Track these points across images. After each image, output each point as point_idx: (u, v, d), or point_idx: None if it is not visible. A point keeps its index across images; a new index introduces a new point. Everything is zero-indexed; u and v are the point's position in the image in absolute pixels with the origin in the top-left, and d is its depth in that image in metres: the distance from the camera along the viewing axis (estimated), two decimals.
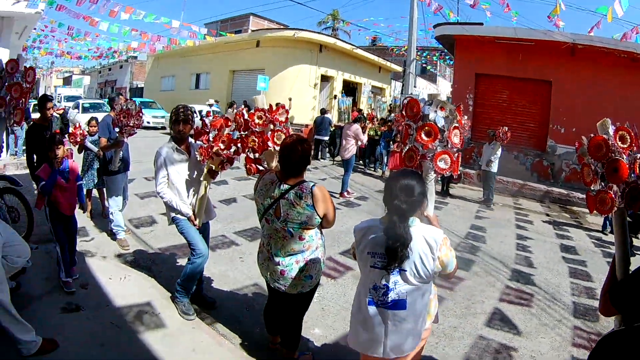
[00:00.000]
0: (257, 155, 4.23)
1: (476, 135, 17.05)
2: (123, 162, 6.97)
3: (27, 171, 11.37)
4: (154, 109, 28.75)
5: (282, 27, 37.65)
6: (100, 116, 7.82)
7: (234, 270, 6.39)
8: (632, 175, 2.47)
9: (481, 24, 18.14)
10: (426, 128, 3.33)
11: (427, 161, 3.39)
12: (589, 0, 19.65)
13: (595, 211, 2.67)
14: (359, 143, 12.66)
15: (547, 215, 13.05)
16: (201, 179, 4.79)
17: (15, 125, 4.65)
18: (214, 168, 4.58)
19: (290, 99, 20.47)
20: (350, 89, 34.37)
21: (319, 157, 19.17)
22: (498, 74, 17.83)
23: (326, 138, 18.99)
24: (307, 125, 20.56)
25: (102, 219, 7.99)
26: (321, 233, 3.86)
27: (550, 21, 15.46)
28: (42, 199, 5.19)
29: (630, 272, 2.54)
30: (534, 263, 8.00)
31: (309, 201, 3.50)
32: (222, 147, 4.31)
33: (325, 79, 30.54)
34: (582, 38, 15.59)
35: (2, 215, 5.61)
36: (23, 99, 4.42)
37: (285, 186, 3.57)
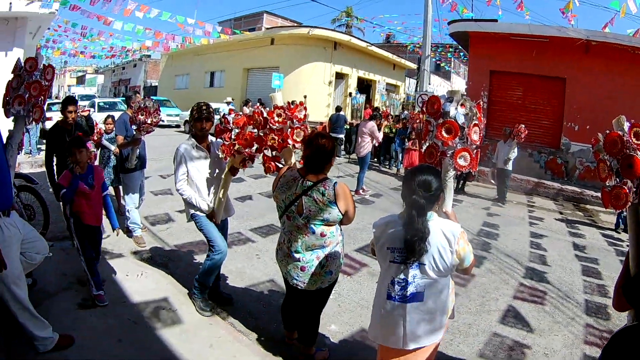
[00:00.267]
0: (274, 153, 4.26)
1: (490, 132, 16.96)
2: (140, 159, 7.01)
3: (42, 169, 11.52)
4: (168, 107, 28.79)
5: (296, 24, 37.60)
6: (116, 115, 7.87)
7: (251, 267, 6.43)
8: None
9: (495, 20, 18.05)
10: (447, 125, 3.34)
11: (446, 158, 3.41)
12: None
13: (610, 206, 2.69)
14: (375, 141, 12.63)
15: (561, 213, 13.00)
16: (222, 176, 4.80)
17: (34, 122, 4.71)
18: (235, 166, 4.60)
19: (305, 97, 20.49)
20: (365, 86, 34.32)
21: (335, 154, 18.98)
22: (512, 71, 17.75)
23: (341, 136, 18.89)
24: (321, 123, 20.56)
25: (118, 216, 8.06)
26: (341, 229, 3.89)
27: (564, 17, 15.38)
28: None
29: None
30: (547, 261, 8.00)
31: (332, 198, 3.54)
32: (245, 144, 4.33)
33: (339, 76, 30.53)
34: (596, 34, 15.47)
35: (18, 213, 5.66)
36: (42, 97, 4.46)
37: (308, 183, 3.61)
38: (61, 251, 6.04)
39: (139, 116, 6.31)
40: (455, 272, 2.93)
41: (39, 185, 6.90)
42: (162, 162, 12.98)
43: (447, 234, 2.75)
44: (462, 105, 3.37)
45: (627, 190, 2.50)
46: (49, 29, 18.61)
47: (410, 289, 2.75)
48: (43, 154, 13.41)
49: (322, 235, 3.63)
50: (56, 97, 41.06)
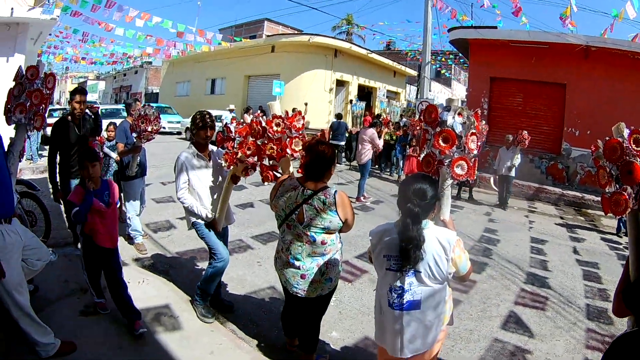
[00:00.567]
0: (271, 162, 4.25)
1: (491, 139, 16.99)
2: (140, 167, 7.02)
3: (44, 175, 11.51)
4: (169, 114, 28.89)
5: (296, 32, 37.70)
6: (118, 122, 7.88)
7: (252, 274, 6.44)
8: None
9: (495, 27, 18.10)
10: (444, 134, 3.35)
11: (444, 167, 3.42)
12: (603, 2, 19.56)
13: (609, 212, 2.70)
14: (375, 148, 12.65)
15: (562, 218, 13.00)
16: (224, 184, 4.80)
17: (35, 130, 4.71)
18: (237, 174, 4.60)
19: (306, 104, 20.53)
20: (366, 93, 34.38)
21: (335, 161, 18.99)
22: (512, 78, 17.78)
23: (342, 143, 18.94)
24: (322, 130, 20.58)
25: (119, 223, 8.06)
26: (340, 237, 3.90)
27: (564, 25, 15.42)
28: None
29: None
30: (548, 266, 8.00)
31: (333, 206, 3.55)
32: (248, 153, 4.33)
33: (340, 83, 30.60)
34: (596, 40, 15.54)
35: (20, 219, 5.65)
36: (43, 105, 4.47)
37: (309, 191, 3.61)
38: (63, 258, 6.04)
39: (140, 124, 6.31)
40: (452, 279, 2.94)
41: (40, 191, 6.89)
42: (163, 169, 13.01)
43: (442, 241, 2.77)
44: (459, 114, 3.37)
45: (627, 197, 2.51)
46: (50, 34, 18.62)
47: (407, 297, 2.76)
48: (44, 160, 13.46)
49: (323, 243, 3.63)
50: (57, 103, 41.09)
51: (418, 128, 3.61)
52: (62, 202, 5.93)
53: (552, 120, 17.08)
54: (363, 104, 30.04)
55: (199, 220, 4.85)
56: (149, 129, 6.39)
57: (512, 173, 13.07)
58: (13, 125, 4.45)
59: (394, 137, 17.56)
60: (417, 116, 15.49)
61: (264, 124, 4.13)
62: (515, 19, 17.47)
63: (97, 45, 24.82)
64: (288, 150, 4.10)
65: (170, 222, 8.58)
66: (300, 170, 3.86)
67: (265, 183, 4.35)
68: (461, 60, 32.62)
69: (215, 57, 34.26)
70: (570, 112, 16.37)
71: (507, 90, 18.07)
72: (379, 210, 11.30)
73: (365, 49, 32.42)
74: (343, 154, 19.82)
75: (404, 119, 21.57)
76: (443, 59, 35.87)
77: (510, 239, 9.68)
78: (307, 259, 3.67)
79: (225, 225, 5.16)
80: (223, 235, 5.08)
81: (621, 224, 10.94)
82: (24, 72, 4.44)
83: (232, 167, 4.49)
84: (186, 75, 40.03)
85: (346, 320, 5.27)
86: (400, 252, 2.72)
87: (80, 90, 6.38)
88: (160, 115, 6.72)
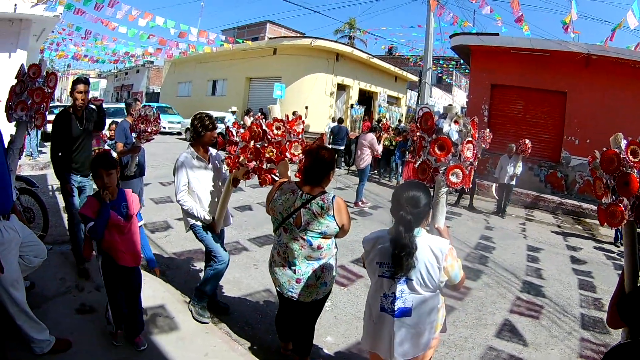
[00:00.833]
0: (269, 165, 4.26)
1: (490, 146, 17.01)
2: (139, 167, 7.02)
3: (44, 172, 11.52)
4: (170, 114, 28.95)
5: (298, 35, 37.77)
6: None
7: (248, 276, 6.45)
8: None
9: (497, 34, 18.12)
10: (439, 142, 3.36)
11: (439, 174, 3.43)
12: (604, 11, 19.64)
13: (605, 224, 2.71)
14: (374, 153, 12.66)
15: (559, 227, 13.01)
16: (224, 187, 4.81)
17: (35, 128, 4.72)
18: (239, 178, 4.59)
19: (306, 108, 20.50)
20: (366, 98, 34.37)
21: (334, 167, 18.94)
22: (513, 85, 17.83)
23: (342, 147, 18.95)
24: (322, 134, 20.59)
25: None
26: (335, 242, 3.90)
27: (566, 33, 15.43)
28: (91, 245, 4.15)
29: (638, 284, 2.57)
30: (545, 275, 8.00)
31: (330, 211, 3.56)
32: (250, 157, 4.32)
33: (341, 87, 30.61)
34: (597, 48, 15.56)
35: (19, 215, 5.62)
36: (44, 104, 4.49)
37: (307, 196, 3.61)
38: (60, 255, 6.06)
39: (140, 124, 6.32)
40: (445, 287, 2.95)
41: (39, 188, 6.89)
42: (162, 170, 13.00)
43: (434, 250, 2.79)
44: (455, 121, 3.39)
45: (623, 208, 2.52)
46: (53, 31, 18.66)
47: (398, 304, 2.78)
48: (44, 156, 13.47)
49: (319, 247, 3.64)
50: (58, 100, 41.02)
51: (418, 134, 3.61)
52: (65, 198, 5.80)
53: (552, 128, 17.11)
54: (362, 109, 30.05)
55: (198, 223, 4.85)
56: (149, 130, 6.39)
57: (513, 181, 13.11)
58: (14, 123, 4.47)
59: (394, 143, 17.57)
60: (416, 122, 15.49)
61: (264, 126, 4.14)
62: (516, 26, 17.49)
63: (99, 43, 24.84)
64: (287, 154, 4.11)
65: (168, 222, 8.58)
66: (298, 174, 3.87)
67: (263, 186, 4.35)
68: (462, 67, 32.66)
69: (217, 58, 34.28)
70: (571, 120, 16.41)
71: (507, 97, 18.10)
72: (377, 216, 11.31)
73: (367, 53, 32.45)
74: (342, 159, 19.83)
75: (402, 124, 21.58)
76: (444, 65, 35.90)
77: (507, 247, 9.69)
78: (302, 263, 3.68)
79: (222, 227, 5.15)
80: (219, 237, 5.07)
81: (619, 233, 10.95)
82: (26, 70, 4.47)
83: (234, 170, 4.50)
84: (188, 75, 40.08)
85: (341, 325, 5.27)
86: (393, 259, 2.75)
87: (83, 79, 5.73)
88: (161, 116, 6.72)
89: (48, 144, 11.42)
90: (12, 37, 11.36)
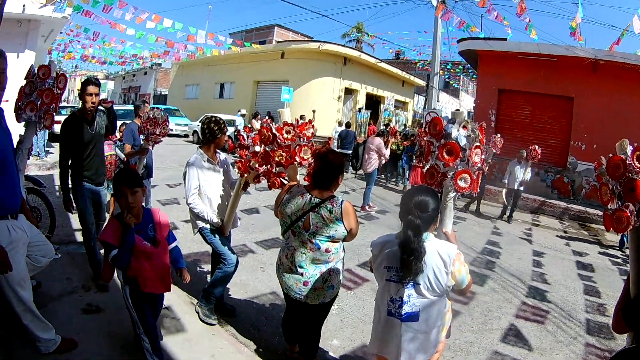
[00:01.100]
0: (278, 169, 4.26)
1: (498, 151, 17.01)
2: (146, 168, 7.04)
3: (51, 172, 11.55)
4: (177, 116, 28.95)
5: (306, 38, 37.74)
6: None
7: (254, 279, 6.45)
8: None
9: (504, 39, 18.10)
10: (448, 147, 3.36)
11: (447, 179, 3.43)
12: (611, 15, 19.58)
13: (611, 229, 2.71)
14: (382, 157, 12.64)
15: (565, 232, 13.00)
16: (233, 191, 4.82)
17: (45, 128, 4.74)
18: (250, 182, 4.60)
19: (314, 111, 20.53)
20: (374, 102, 34.37)
21: (343, 171, 18.92)
22: (520, 90, 17.85)
23: (350, 152, 18.94)
24: (330, 138, 20.60)
25: None
26: (343, 246, 3.92)
27: (574, 38, 15.41)
28: (112, 270, 3.65)
29: None
30: (550, 280, 7.99)
31: (339, 216, 3.57)
32: (261, 161, 4.33)
33: (348, 91, 30.63)
34: (604, 54, 15.55)
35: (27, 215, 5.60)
36: (54, 104, 4.52)
37: (316, 199, 3.63)
38: (67, 255, 6.07)
39: (148, 126, 6.34)
40: (452, 292, 2.96)
41: (46, 188, 6.91)
42: (169, 171, 13.05)
43: (442, 255, 2.78)
44: (464, 127, 3.39)
45: (629, 214, 2.52)
46: (61, 32, 18.72)
47: (406, 308, 2.78)
48: (51, 156, 13.51)
49: (327, 251, 3.65)
50: (65, 101, 41.06)
51: (425, 139, 3.61)
52: (72, 210, 5.66)
53: (559, 133, 17.10)
54: (368, 113, 30.01)
55: (206, 226, 4.85)
56: (157, 132, 6.41)
57: (522, 187, 13.10)
58: (23, 123, 4.50)
59: (401, 147, 17.54)
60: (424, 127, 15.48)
61: (274, 130, 4.15)
62: (524, 31, 17.44)
63: (107, 45, 24.89)
64: (297, 158, 4.12)
65: (174, 224, 8.53)
66: (307, 178, 3.88)
67: (272, 189, 4.36)
68: (470, 72, 32.61)
69: (225, 61, 34.37)
70: (577, 125, 16.39)
71: (514, 102, 18.10)
72: (384, 220, 11.31)
73: (375, 57, 32.40)
74: (350, 163, 19.81)
75: (407, 129, 21.55)
76: (452, 70, 35.85)
77: (514, 252, 9.69)
78: (310, 266, 3.69)
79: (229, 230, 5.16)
80: (227, 239, 5.06)
81: (624, 239, 10.91)
82: (36, 71, 4.50)
83: (245, 174, 4.51)
84: (195, 78, 40.12)
85: (347, 328, 5.28)
86: (401, 263, 2.75)
87: (93, 81, 5.32)
88: (169, 118, 6.73)
89: (55, 144, 11.42)
90: (21, 37, 11.44)
